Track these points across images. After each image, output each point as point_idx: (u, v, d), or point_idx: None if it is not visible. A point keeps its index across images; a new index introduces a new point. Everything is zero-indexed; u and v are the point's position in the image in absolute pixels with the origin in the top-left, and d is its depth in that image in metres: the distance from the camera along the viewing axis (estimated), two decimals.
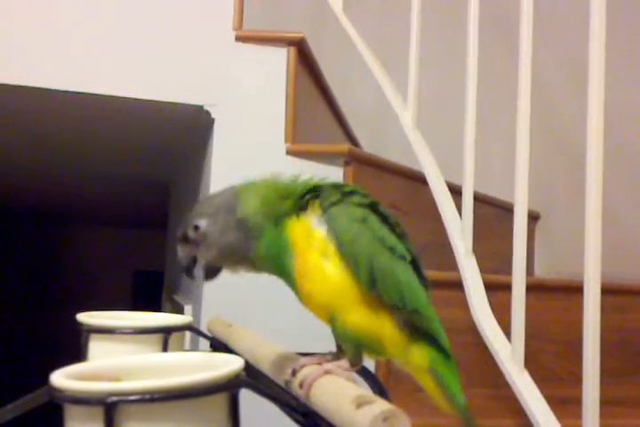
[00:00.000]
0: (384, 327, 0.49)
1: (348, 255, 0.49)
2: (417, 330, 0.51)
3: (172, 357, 0.48)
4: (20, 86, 1.16)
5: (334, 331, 0.50)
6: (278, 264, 0.52)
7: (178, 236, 0.55)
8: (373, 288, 0.48)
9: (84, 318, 0.68)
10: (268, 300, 1.12)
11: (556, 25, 1.84)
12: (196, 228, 0.53)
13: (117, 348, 0.66)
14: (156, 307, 2.59)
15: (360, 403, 0.34)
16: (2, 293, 3.92)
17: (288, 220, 0.51)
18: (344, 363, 0.48)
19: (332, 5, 1.60)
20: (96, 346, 0.67)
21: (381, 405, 0.33)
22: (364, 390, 0.38)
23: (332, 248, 0.49)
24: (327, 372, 0.44)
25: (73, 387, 0.38)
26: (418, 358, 0.51)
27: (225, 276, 1.19)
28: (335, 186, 0.54)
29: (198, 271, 0.58)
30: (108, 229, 4.21)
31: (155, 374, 0.46)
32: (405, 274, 0.51)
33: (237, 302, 1.16)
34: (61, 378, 0.40)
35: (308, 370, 0.45)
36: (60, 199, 3.11)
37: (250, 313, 1.12)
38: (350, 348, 0.49)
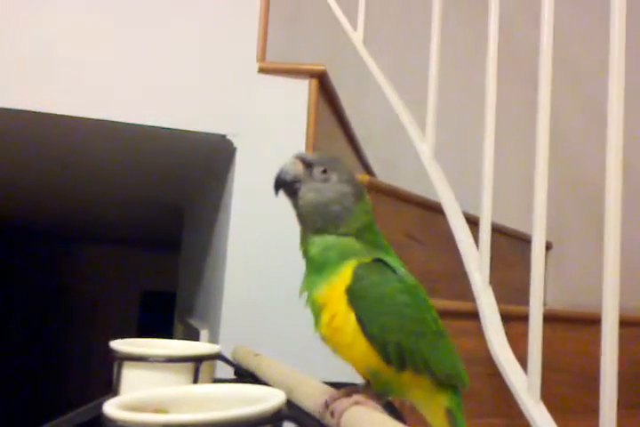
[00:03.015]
0: (413, 383, 0.54)
1: (378, 343, 0.52)
2: (441, 382, 0.56)
3: (214, 388, 0.50)
4: (46, 113, 1.20)
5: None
6: (314, 279, 0.55)
7: (304, 157, 0.57)
8: (403, 368, 0.52)
9: (118, 345, 0.70)
10: (288, 324, 1.14)
11: (575, 60, 1.88)
12: (325, 171, 0.55)
13: (150, 375, 0.67)
14: (166, 329, 2.59)
15: None
16: (8, 309, 3.93)
17: (348, 262, 0.54)
18: (371, 394, 0.50)
19: (352, 37, 1.64)
20: (129, 373, 0.69)
21: None
22: (392, 419, 0.40)
23: (358, 329, 0.52)
24: (356, 403, 0.47)
25: (129, 418, 0.41)
26: (439, 400, 0.56)
27: (243, 301, 1.21)
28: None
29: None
30: (118, 249, 4.23)
31: (198, 406, 0.48)
32: (434, 349, 0.55)
33: (257, 328, 1.17)
34: (114, 408, 0.42)
35: (340, 402, 0.47)
36: (74, 219, 3.14)
37: (269, 341, 1.14)
38: (379, 388, 0.52)
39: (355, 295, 0.52)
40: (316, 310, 0.54)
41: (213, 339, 1.27)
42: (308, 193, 0.55)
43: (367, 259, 0.54)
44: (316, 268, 0.55)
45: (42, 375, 3.84)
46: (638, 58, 1.64)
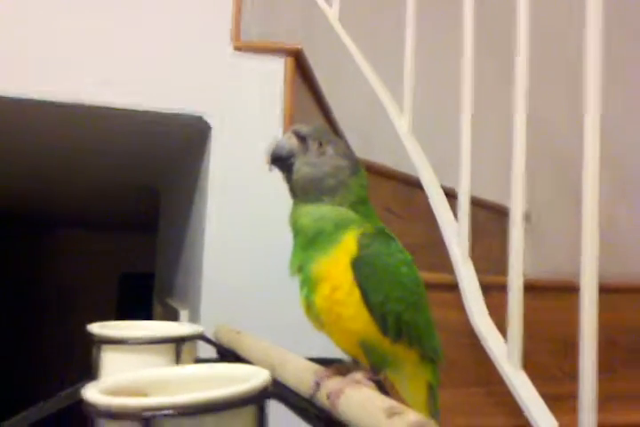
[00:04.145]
0: (405, 356, 0.55)
1: (379, 313, 0.52)
2: (425, 355, 0.57)
3: (196, 369, 0.49)
4: (14, 98, 1.16)
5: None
6: (307, 253, 0.54)
7: (299, 131, 0.55)
8: (398, 340, 0.53)
9: (96, 328, 0.69)
10: (268, 303, 1.14)
11: (551, 30, 1.87)
12: (320, 145, 0.54)
13: (130, 358, 0.67)
14: (145, 311, 2.58)
15: (391, 413, 0.35)
16: None
17: (347, 232, 0.53)
18: (368, 372, 0.50)
19: (327, 14, 1.61)
20: (108, 356, 0.68)
21: (413, 415, 0.35)
22: (391, 398, 0.40)
23: (359, 298, 0.52)
24: (355, 382, 0.46)
25: (108, 402, 0.40)
26: (423, 374, 0.58)
27: (223, 280, 1.21)
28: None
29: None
30: (94, 232, 4.18)
31: (181, 387, 0.47)
32: (427, 323, 0.57)
33: (237, 307, 1.17)
34: (94, 393, 0.42)
35: (333, 381, 0.47)
36: (47, 203, 3.09)
37: (250, 319, 1.14)
38: (375, 364, 0.52)
39: (361, 265, 0.51)
40: (312, 283, 0.52)
41: (194, 319, 1.27)
42: (302, 167, 0.54)
43: (370, 228, 0.54)
44: (309, 240, 0.53)
45: (21, 362, 3.82)
46: (615, 29, 1.63)
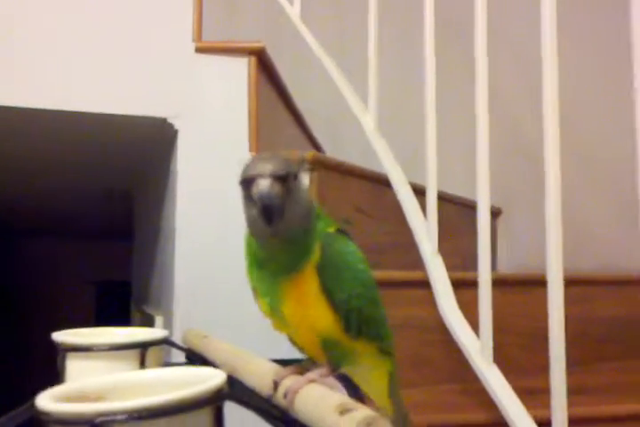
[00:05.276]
0: (364, 351, 0.56)
1: (342, 310, 0.52)
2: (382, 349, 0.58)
3: (154, 373, 0.48)
4: None
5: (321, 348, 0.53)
6: (275, 275, 0.53)
7: (276, 173, 0.48)
8: (359, 336, 0.54)
9: (60, 336, 0.68)
10: (240, 308, 1.13)
11: (509, 27, 1.89)
12: (296, 178, 0.50)
13: (95, 365, 0.66)
14: (124, 318, 2.56)
15: (343, 410, 0.35)
16: None
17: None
18: (324, 370, 0.50)
19: (289, 13, 1.61)
20: (73, 365, 0.67)
21: (363, 411, 0.35)
22: (344, 396, 0.40)
23: (325, 299, 0.52)
24: (311, 381, 0.46)
25: (60, 409, 0.39)
26: (383, 366, 0.59)
27: (195, 285, 1.20)
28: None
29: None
30: (70, 241, 4.14)
31: (138, 392, 0.46)
32: (383, 317, 0.58)
33: (209, 310, 1.16)
34: (47, 400, 0.41)
35: (290, 381, 0.46)
36: (19, 211, 3.05)
37: (222, 322, 1.13)
38: (333, 361, 0.52)
39: (324, 264, 0.51)
40: (279, 294, 0.52)
41: (168, 324, 1.26)
42: (293, 209, 0.49)
43: (330, 228, 0.54)
44: (280, 266, 0.52)
45: (1, 374, 3.75)
46: (570, 17, 1.65)
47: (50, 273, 4.19)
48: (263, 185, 0.47)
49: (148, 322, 1.50)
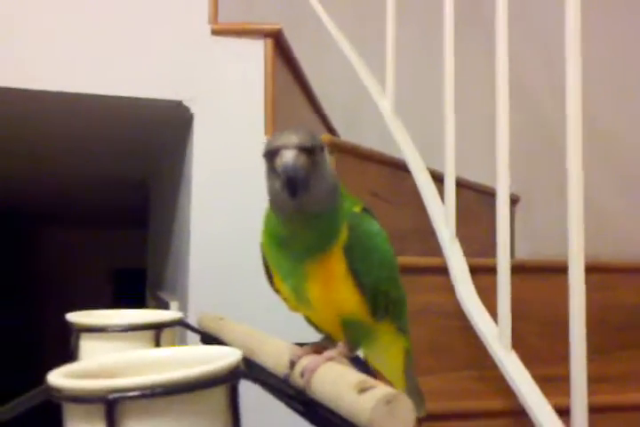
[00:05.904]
0: (384, 330, 0.55)
1: (370, 293, 0.51)
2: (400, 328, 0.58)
3: (168, 352, 0.48)
4: None
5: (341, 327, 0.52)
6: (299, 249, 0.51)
7: (304, 144, 0.46)
8: (385, 317, 0.54)
9: (74, 317, 0.68)
10: (255, 293, 1.12)
11: (533, 10, 1.86)
12: (322, 149, 0.48)
13: (109, 346, 0.65)
14: (139, 305, 2.57)
15: (362, 388, 0.34)
16: None
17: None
18: (343, 349, 0.49)
19: None
20: (87, 345, 0.67)
21: (383, 389, 0.33)
22: (363, 374, 0.39)
23: (352, 281, 0.50)
24: (329, 359, 0.45)
25: (72, 386, 0.38)
26: (400, 344, 0.59)
27: (209, 270, 1.19)
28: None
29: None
30: (86, 229, 4.16)
31: (152, 370, 0.46)
32: (404, 298, 0.57)
33: (224, 295, 1.16)
34: (59, 377, 0.40)
35: (307, 360, 0.45)
36: (37, 199, 3.07)
37: (237, 307, 1.12)
38: (353, 340, 0.51)
39: (352, 246, 0.50)
40: (304, 277, 0.51)
41: (183, 309, 1.25)
42: (318, 184, 0.47)
43: (356, 207, 0.52)
44: (304, 246, 0.50)
45: (17, 359, 3.80)
46: (595, 7, 1.62)
47: (65, 261, 4.22)
48: (288, 157, 0.46)
49: (163, 308, 1.50)
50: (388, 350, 0.58)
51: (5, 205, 3.35)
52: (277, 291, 0.56)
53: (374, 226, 0.53)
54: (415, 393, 0.62)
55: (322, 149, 0.48)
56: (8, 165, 2.05)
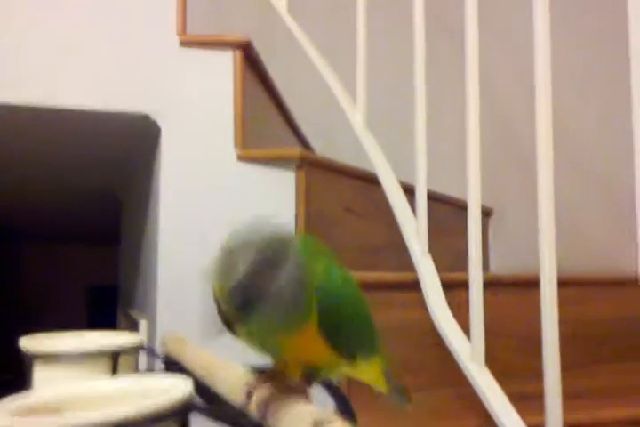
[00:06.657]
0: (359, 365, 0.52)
1: (342, 348, 0.48)
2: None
3: (117, 383, 0.45)
4: None
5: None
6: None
7: (242, 279, 0.43)
8: (355, 360, 0.51)
9: (27, 342, 0.65)
10: None
11: (502, 26, 1.87)
12: (262, 277, 0.43)
13: (63, 373, 0.62)
14: (111, 322, 2.52)
15: (317, 424, 0.32)
16: None
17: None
18: (301, 383, 0.46)
19: (276, 7, 1.58)
20: (41, 372, 0.64)
21: (339, 425, 0.31)
22: (323, 405, 0.36)
23: (324, 341, 0.47)
24: (286, 391, 0.42)
25: (11, 425, 0.36)
26: (377, 367, 0.56)
27: (178, 288, 1.16)
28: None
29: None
30: (58, 246, 4.09)
31: (100, 404, 0.43)
32: (376, 333, 0.54)
33: (193, 314, 1.13)
34: (2, 415, 0.37)
35: (264, 391, 0.43)
36: (10, 214, 3.00)
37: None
38: (312, 376, 0.48)
39: (324, 321, 0.46)
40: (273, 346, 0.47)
41: (152, 328, 1.22)
42: (264, 314, 0.43)
43: (319, 264, 0.48)
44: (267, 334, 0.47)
45: None
46: (566, 15, 1.63)
47: (42, 277, 4.14)
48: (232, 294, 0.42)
49: (134, 326, 1.46)
50: (366, 375, 0.56)
51: None
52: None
53: (344, 288, 0.49)
54: (398, 390, 0.62)
55: (270, 263, 0.44)
56: None
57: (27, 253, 4.16)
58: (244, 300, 0.42)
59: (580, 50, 1.82)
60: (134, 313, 1.58)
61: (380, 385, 0.59)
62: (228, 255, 0.44)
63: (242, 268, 0.42)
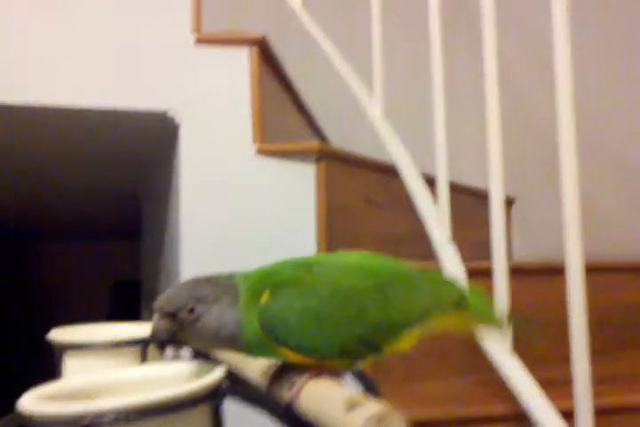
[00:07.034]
0: None
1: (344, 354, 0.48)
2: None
3: (149, 369, 0.46)
4: None
5: None
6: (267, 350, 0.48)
7: (164, 310, 0.49)
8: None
9: (57, 334, 0.66)
10: None
11: (520, 9, 1.85)
12: (192, 310, 0.48)
13: (94, 364, 0.63)
14: (135, 317, 2.55)
15: (351, 406, 0.32)
16: None
17: None
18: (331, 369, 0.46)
19: (290, 2, 1.58)
20: (71, 363, 0.65)
21: (373, 406, 0.31)
22: (354, 388, 0.36)
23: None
24: (316, 374, 0.43)
25: (42, 411, 0.36)
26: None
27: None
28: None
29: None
30: (82, 243, 4.14)
31: (132, 389, 0.44)
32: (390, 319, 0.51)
33: None
34: (30, 400, 0.38)
35: (295, 374, 0.43)
36: (31, 214, 3.04)
37: None
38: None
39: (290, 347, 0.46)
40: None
41: None
42: (193, 342, 0.49)
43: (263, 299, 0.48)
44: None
45: (12, 375, 3.75)
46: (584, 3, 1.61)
47: (65, 275, 4.19)
48: (154, 322, 0.50)
49: None
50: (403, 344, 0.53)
51: (1, 221, 3.33)
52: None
53: (285, 319, 0.46)
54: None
55: (193, 307, 0.48)
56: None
57: (52, 251, 4.21)
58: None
59: (601, 30, 1.80)
60: None
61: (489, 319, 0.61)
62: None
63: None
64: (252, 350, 0.47)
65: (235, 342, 0.46)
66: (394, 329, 0.50)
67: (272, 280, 0.49)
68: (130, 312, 2.71)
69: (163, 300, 0.50)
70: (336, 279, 0.48)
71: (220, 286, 0.50)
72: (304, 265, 0.50)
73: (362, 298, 0.47)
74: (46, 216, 3.16)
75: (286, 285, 0.47)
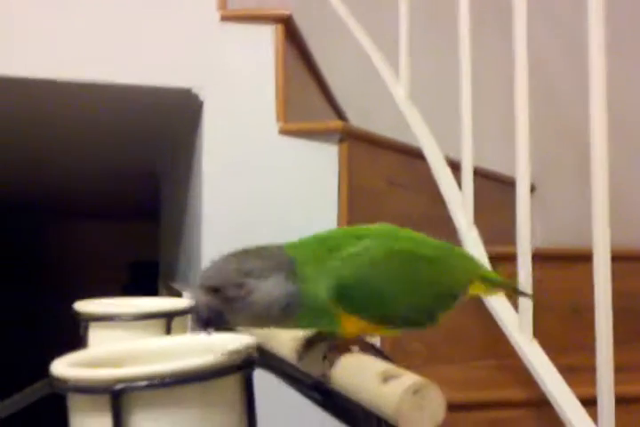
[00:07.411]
0: None
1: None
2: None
3: (179, 340, 0.46)
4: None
5: None
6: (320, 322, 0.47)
7: (208, 285, 0.45)
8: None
9: (82, 306, 0.66)
10: None
11: None
12: (241, 286, 0.44)
13: (119, 335, 0.64)
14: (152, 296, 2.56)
15: (386, 377, 0.32)
16: None
17: None
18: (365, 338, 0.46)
19: None
20: (96, 335, 0.65)
21: (409, 378, 0.31)
22: (388, 362, 0.36)
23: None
24: (349, 346, 0.42)
25: (76, 375, 0.36)
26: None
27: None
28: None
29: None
30: (99, 223, 4.16)
31: (162, 359, 0.43)
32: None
33: None
34: (63, 366, 0.38)
35: (328, 347, 0.43)
36: (49, 193, 3.06)
37: None
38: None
39: (352, 311, 0.45)
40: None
41: None
42: (240, 321, 0.45)
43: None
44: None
45: (31, 351, 3.81)
46: None
47: (82, 255, 4.22)
48: (197, 298, 0.45)
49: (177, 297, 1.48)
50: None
51: (21, 201, 3.36)
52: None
53: (361, 269, 0.46)
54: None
55: (239, 284, 0.45)
56: (18, 159, 2.05)
57: (69, 230, 4.24)
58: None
59: (635, 17, 1.76)
60: (176, 285, 1.60)
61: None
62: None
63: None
64: (301, 321, 0.44)
65: (286, 315, 0.44)
66: (451, 298, 0.52)
67: (334, 246, 0.47)
68: (147, 293, 2.73)
69: (207, 274, 0.46)
70: (404, 248, 0.49)
71: (270, 257, 0.47)
72: (353, 236, 0.48)
73: (433, 266, 0.49)
74: (64, 195, 3.19)
75: (362, 253, 0.46)
